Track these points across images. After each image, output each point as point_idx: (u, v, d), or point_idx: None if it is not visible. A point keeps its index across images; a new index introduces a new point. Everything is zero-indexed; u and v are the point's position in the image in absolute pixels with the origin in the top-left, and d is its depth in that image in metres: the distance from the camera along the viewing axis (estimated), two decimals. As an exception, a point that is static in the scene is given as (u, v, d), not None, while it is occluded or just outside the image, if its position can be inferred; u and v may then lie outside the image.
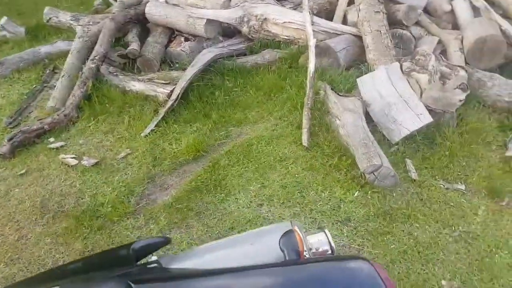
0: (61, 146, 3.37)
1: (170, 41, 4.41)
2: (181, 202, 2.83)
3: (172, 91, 3.63)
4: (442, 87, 3.22)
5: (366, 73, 3.63)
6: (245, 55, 4.28)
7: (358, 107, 3.33)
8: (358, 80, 3.54)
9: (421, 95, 3.33)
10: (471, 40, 3.75)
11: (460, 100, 3.24)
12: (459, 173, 3.07)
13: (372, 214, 2.71)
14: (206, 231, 2.64)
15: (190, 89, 3.76)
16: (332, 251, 1.33)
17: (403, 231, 2.64)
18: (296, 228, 1.38)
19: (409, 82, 3.43)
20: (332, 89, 3.56)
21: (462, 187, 2.96)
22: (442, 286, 2.33)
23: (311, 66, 3.60)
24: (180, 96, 3.59)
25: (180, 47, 4.24)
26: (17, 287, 1.68)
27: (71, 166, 3.17)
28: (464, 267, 2.44)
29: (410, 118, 3.21)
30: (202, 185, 2.94)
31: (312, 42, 3.77)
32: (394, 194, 2.86)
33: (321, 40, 3.96)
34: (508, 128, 3.40)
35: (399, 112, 3.26)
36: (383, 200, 2.81)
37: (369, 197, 2.82)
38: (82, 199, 2.92)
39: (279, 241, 1.32)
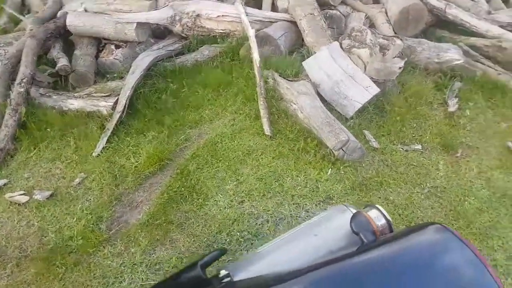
0: (4, 185, 2.91)
1: (99, 51, 4.03)
2: (158, 217, 2.59)
3: (116, 103, 3.31)
4: (382, 58, 3.30)
5: (308, 56, 3.61)
6: (183, 54, 4.05)
7: (310, 89, 3.31)
8: (303, 63, 3.51)
9: (364, 68, 3.39)
10: (395, 12, 3.90)
11: (400, 68, 3.35)
12: (413, 135, 3.20)
13: (349, 187, 2.72)
14: (193, 241, 2.45)
15: (135, 97, 3.47)
16: (390, 225, 1.27)
17: (380, 197, 2.69)
18: (356, 210, 1.33)
19: (351, 59, 3.48)
20: (280, 75, 3.51)
21: (419, 147, 3.08)
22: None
23: (256, 56, 3.48)
24: (126, 106, 3.29)
25: (112, 55, 3.89)
26: None
27: (22, 204, 2.74)
28: (442, 219, 2.55)
29: (359, 92, 3.26)
30: (175, 195, 2.72)
31: (251, 32, 3.65)
32: (364, 165, 2.90)
33: (257, 30, 3.86)
34: (443, 86, 3.61)
35: (348, 88, 3.29)
36: (356, 173, 2.83)
37: (342, 172, 2.82)
38: (45, 237, 2.55)
39: (351, 225, 1.24)
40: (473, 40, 3.98)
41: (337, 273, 1.09)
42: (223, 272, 1.25)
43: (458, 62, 3.64)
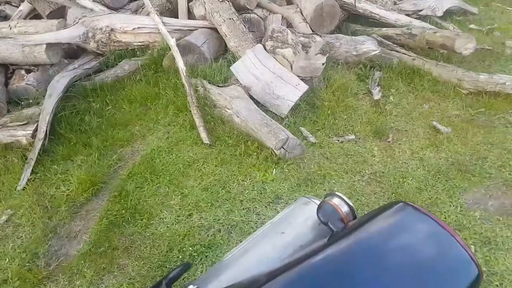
0: None
1: (8, 78, 3.68)
2: (100, 244, 2.39)
3: (36, 130, 3.03)
4: (306, 56, 3.40)
5: (234, 61, 3.61)
6: (101, 71, 3.83)
7: (242, 92, 3.30)
8: (231, 68, 3.49)
9: (291, 67, 3.46)
10: (310, 10, 4.04)
11: (323, 64, 3.47)
12: (345, 126, 3.31)
13: (295, 184, 2.73)
14: (143, 264, 2.29)
15: (56, 122, 3.20)
16: (353, 211, 1.24)
17: (325, 190, 2.72)
18: (318, 200, 1.30)
19: (276, 59, 3.53)
20: (209, 82, 3.45)
21: (353, 137, 3.19)
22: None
23: (181, 65, 3.40)
24: (48, 132, 3.02)
25: (24, 81, 3.56)
26: None
27: None
28: (385, 202, 2.62)
29: (290, 91, 3.32)
30: (116, 219, 2.53)
31: (172, 42, 3.56)
32: (305, 161, 2.93)
33: (178, 39, 3.78)
34: (365, 77, 3.80)
35: (279, 88, 3.34)
36: (299, 169, 2.85)
37: (286, 170, 2.83)
38: (-26, 287, 2.24)
39: (318, 216, 1.21)
40: (384, 30, 4.27)
41: (314, 268, 1.05)
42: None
43: (375, 52, 3.86)
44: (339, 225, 1.18)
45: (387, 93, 3.63)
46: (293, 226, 1.28)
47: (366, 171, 2.90)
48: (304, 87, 3.33)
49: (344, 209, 1.25)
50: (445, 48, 3.83)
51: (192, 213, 2.55)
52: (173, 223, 2.50)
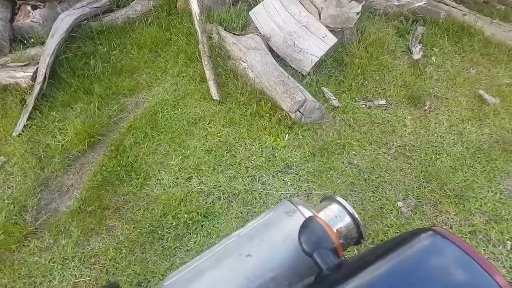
0: None
1: (14, 14, 3.51)
2: (91, 202, 2.28)
3: (35, 73, 2.89)
4: (337, 2, 3.02)
5: (255, 5, 3.28)
6: (111, 11, 3.60)
7: (260, 43, 3.00)
8: (250, 13, 3.17)
9: (319, 16, 3.10)
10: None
11: (358, 13, 3.08)
12: (376, 89, 2.98)
13: (309, 153, 2.50)
14: (134, 227, 2.17)
15: (57, 65, 3.04)
16: (358, 225, 0.93)
17: (343, 162, 2.48)
18: (308, 211, 0.93)
19: (303, 5, 3.18)
20: (225, 29, 3.17)
21: (383, 101, 2.88)
22: (399, 208, 2.24)
23: (195, 8, 3.10)
24: (47, 75, 2.87)
25: (29, 18, 3.38)
26: None
27: None
28: (412, 182, 2.37)
29: (315, 43, 2.99)
30: (110, 176, 2.40)
31: (188, -20, 3.26)
32: (324, 127, 2.67)
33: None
34: (405, 32, 3.39)
35: (302, 39, 3.02)
36: (315, 136, 2.60)
37: (301, 136, 2.59)
38: (-42, 234, 2.21)
39: (300, 242, 0.84)
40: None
41: None
42: None
43: (420, 3, 3.43)
44: (330, 261, 0.82)
45: (429, 52, 3.22)
46: (265, 247, 0.92)
47: (394, 143, 2.61)
48: (332, 39, 2.98)
49: (344, 223, 0.95)
50: (504, 3, 3.33)
51: (192, 177, 2.39)
52: (170, 186, 2.35)
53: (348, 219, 0.94)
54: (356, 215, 0.94)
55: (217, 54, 3.00)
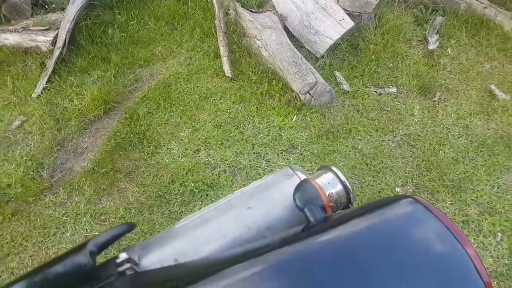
0: None
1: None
2: (104, 165, 2.59)
3: (56, 38, 3.17)
4: (358, -13, 3.23)
5: (275, -17, 3.50)
6: (132, -20, 3.84)
7: (276, 22, 3.23)
8: (269, -9, 3.41)
9: (337, -1, 3.32)
10: None
11: (377, -2, 3.30)
12: (388, 76, 3.19)
13: (315, 135, 2.75)
14: (143, 191, 2.47)
15: (77, 31, 3.31)
16: (348, 192, 1.12)
17: (347, 146, 2.72)
18: (304, 176, 1.13)
19: (323, -13, 3.39)
20: (242, 6, 3.40)
21: (394, 89, 3.09)
22: (397, 193, 2.49)
23: (215, -17, 3.36)
24: (67, 41, 3.15)
25: (51, -19, 3.67)
26: None
27: (-46, 149, 2.70)
28: (413, 169, 2.60)
29: (331, 26, 3.20)
30: (124, 142, 2.70)
31: (210, -46, 3.48)
32: (332, 111, 2.91)
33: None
34: (424, 20, 3.56)
35: (319, 21, 3.23)
36: (323, 119, 2.84)
37: (308, 118, 2.84)
38: (-19, 184, 2.54)
39: (294, 198, 1.05)
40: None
41: (267, 268, 0.88)
42: (122, 256, 1.01)
43: (442, -7, 3.59)
44: (318, 214, 1.02)
45: (446, 43, 3.41)
46: (265, 202, 1.14)
47: (400, 131, 2.85)
48: (349, 23, 3.19)
49: (336, 189, 1.13)
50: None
51: (200, 149, 2.67)
52: (179, 156, 2.64)
53: (339, 187, 1.13)
54: (347, 184, 1.12)
55: (232, 31, 3.24)
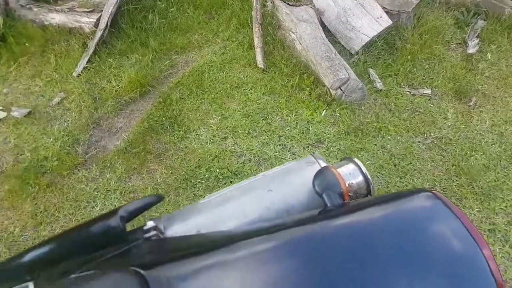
0: (-18, 99, 3.05)
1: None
2: (136, 145, 2.71)
3: (98, 20, 3.31)
4: (399, -14, 3.22)
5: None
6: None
7: (313, 16, 3.26)
8: (309, -15, 3.43)
9: (377, -4, 3.32)
10: None
11: (418, -2, 3.28)
12: (424, 77, 3.17)
13: (343, 132, 2.77)
14: (171, 173, 2.58)
15: (119, 15, 3.44)
16: (368, 184, 1.16)
17: (376, 145, 2.74)
18: (326, 164, 1.19)
19: (363, -17, 3.39)
20: (280, -1, 3.45)
21: (429, 91, 3.07)
22: (422, 195, 2.49)
23: (255, -26, 3.41)
24: (109, 24, 3.29)
25: (97, -36, 3.82)
26: None
27: (0, 120, 2.90)
28: (441, 174, 2.59)
29: (368, 23, 3.20)
30: (156, 125, 2.81)
31: None
32: (363, 108, 2.92)
33: None
34: (465, 23, 3.50)
35: (356, 17, 3.23)
36: (352, 116, 2.87)
37: (338, 114, 2.86)
38: (21, 155, 2.70)
39: (314, 183, 1.11)
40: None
41: (281, 245, 0.93)
42: (149, 224, 1.10)
43: (487, -4, 3.51)
44: (336, 200, 1.06)
45: (486, 48, 3.34)
46: (285, 186, 1.20)
47: (432, 133, 2.83)
48: (387, 21, 3.19)
49: (356, 180, 1.16)
50: None
51: (227, 137, 2.75)
52: (207, 142, 2.73)
53: (360, 178, 1.18)
54: (368, 176, 1.17)
55: (268, 23, 3.29)
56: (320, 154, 1.39)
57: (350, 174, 1.19)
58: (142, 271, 0.85)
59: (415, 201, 1.02)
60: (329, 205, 1.05)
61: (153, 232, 1.08)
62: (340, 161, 1.28)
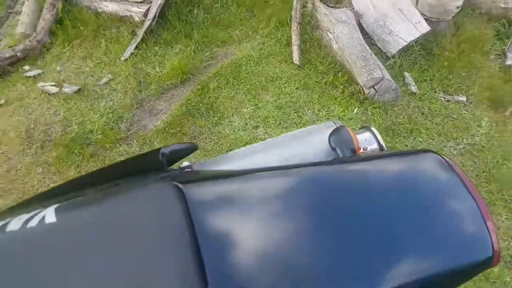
0: (38, 74, 3.31)
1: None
2: (174, 127, 2.90)
3: (148, 10, 3.55)
4: (440, -6, 3.28)
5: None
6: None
7: (351, 18, 3.36)
8: (350, -12, 3.54)
9: (416, 2, 3.37)
10: None
11: (458, 7, 3.29)
12: (460, 85, 3.20)
13: (374, 130, 2.86)
14: (204, 155, 2.74)
15: (167, 7, 3.66)
16: (382, 150, 1.27)
17: (407, 145, 2.79)
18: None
19: (404, -11, 3.46)
20: (321, 0, 3.57)
21: (464, 98, 3.10)
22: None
23: (298, -25, 3.56)
24: (157, 15, 3.52)
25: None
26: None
27: (52, 94, 3.14)
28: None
29: (406, 28, 3.27)
30: (193, 109, 2.99)
31: None
32: (396, 109, 2.99)
33: None
34: (505, 35, 3.50)
35: (395, 22, 3.31)
36: (385, 116, 2.94)
37: (370, 113, 2.94)
38: (69, 127, 2.95)
39: (329, 139, 1.24)
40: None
41: (292, 178, 1.05)
42: (184, 163, 1.26)
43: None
44: (347, 153, 1.18)
45: (525, 61, 3.35)
46: (305, 143, 1.34)
47: (464, 140, 2.86)
48: (425, 28, 3.25)
49: (372, 146, 1.27)
50: None
51: (259, 126, 2.88)
52: (239, 129, 2.87)
53: (375, 145, 1.29)
54: (383, 144, 1.29)
55: (306, 22, 3.42)
56: (341, 122, 1.52)
57: (366, 140, 1.31)
58: (179, 184, 0.97)
59: (419, 158, 1.14)
60: (340, 155, 1.18)
61: (188, 168, 1.24)
62: (359, 129, 1.39)
